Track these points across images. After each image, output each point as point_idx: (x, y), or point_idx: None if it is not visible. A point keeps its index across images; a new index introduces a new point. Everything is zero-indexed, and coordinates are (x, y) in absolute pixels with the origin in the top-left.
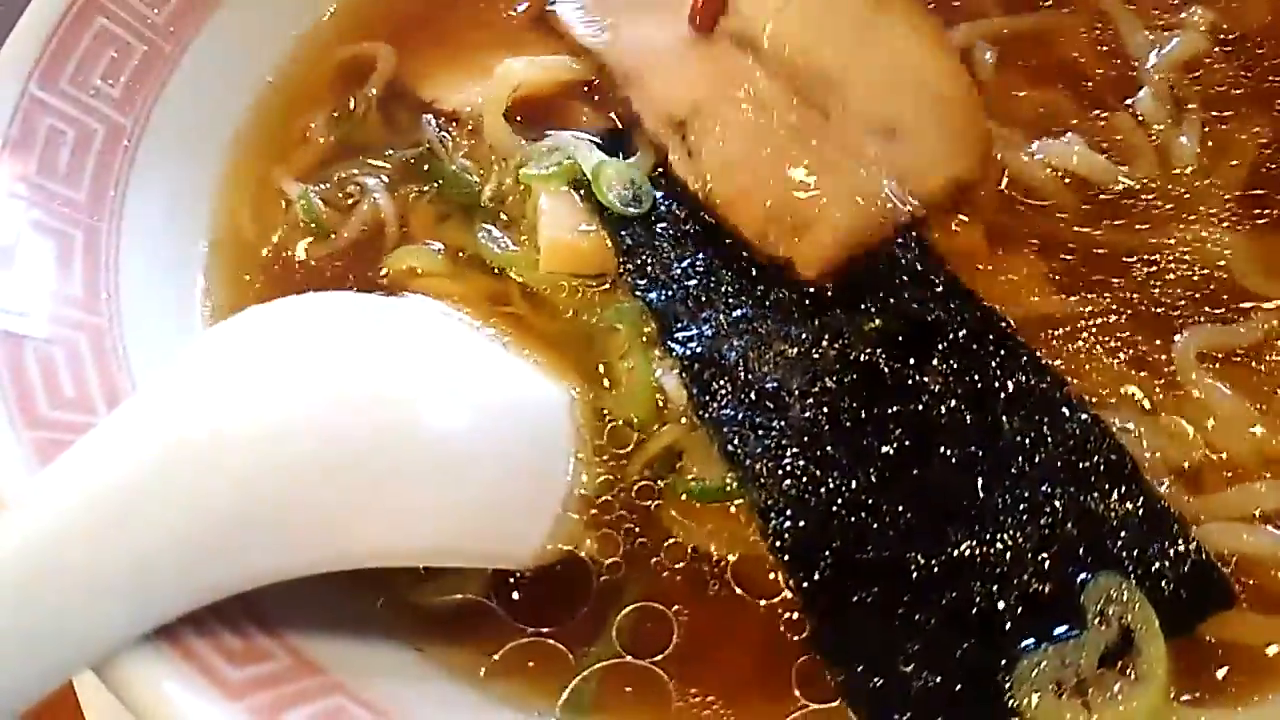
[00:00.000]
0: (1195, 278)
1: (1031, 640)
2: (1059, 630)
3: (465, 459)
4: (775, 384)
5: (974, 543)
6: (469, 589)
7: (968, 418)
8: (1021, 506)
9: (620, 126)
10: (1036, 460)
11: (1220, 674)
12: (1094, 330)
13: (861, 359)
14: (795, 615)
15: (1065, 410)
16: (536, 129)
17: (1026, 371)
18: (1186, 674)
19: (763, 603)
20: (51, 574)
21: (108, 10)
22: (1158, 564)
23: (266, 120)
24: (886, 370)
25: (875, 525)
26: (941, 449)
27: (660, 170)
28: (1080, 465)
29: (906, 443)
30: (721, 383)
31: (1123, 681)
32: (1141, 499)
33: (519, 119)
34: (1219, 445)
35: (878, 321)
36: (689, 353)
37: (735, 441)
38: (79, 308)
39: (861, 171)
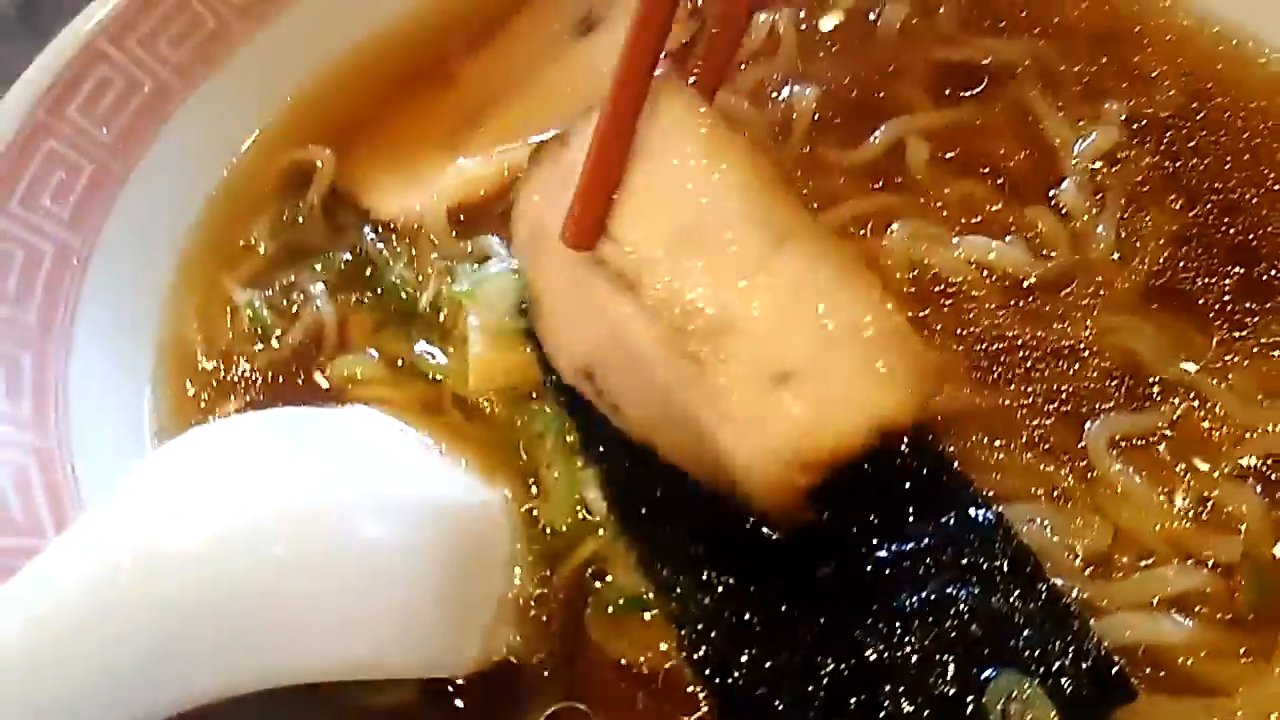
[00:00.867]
0: (1106, 365)
1: None
2: None
3: (399, 572)
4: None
5: (882, 646)
6: (405, 691)
7: (876, 521)
8: (929, 608)
9: None
10: (944, 561)
11: None
12: (1012, 422)
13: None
14: None
15: (972, 510)
16: (478, 232)
17: (934, 472)
18: None
19: (689, 711)
20: None
21: (57, 132)
22: (1059, 662)
23: (213, 231)
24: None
25: (787, 632)
26: (852, 552)
27: None
28: (984, 566)
29: (816, 547)
30: (638, 495)
31: None
32: (1044, 597)
33: (461, 220)
34: (1129, 532)
35: None
36: (609, 467)
37: (651, 553)
38: (29, 430)
39: (738, 439)
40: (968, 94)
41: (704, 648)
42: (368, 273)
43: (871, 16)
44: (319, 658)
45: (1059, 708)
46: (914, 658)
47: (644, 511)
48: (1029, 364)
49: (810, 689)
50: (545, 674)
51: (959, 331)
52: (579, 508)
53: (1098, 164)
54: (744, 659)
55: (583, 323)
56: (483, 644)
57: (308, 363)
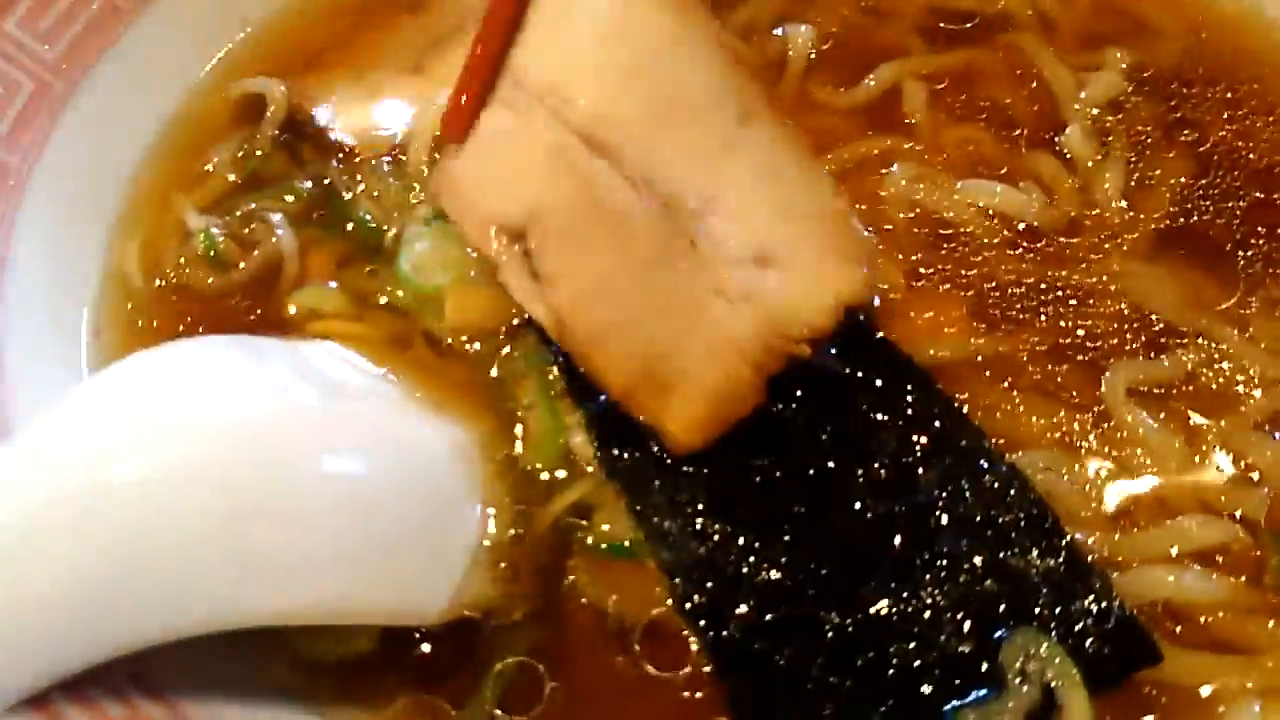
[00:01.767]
0: (1118, 313)
1: (952, 702)
2: (980, 692)
3: (364, 509)
4: None
5: (890, 601)
6: (361, 643)
7: (883, 472)
8: (940, 563)
9: None
10: (955, 515)
11: (1152, 716)
12: (1019, 369)
13: (773, 414)
14: (704, 676)
15: (984, 463)
16: None
17: (944, 422)
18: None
19: (668, 666)
20: None
21: None
22: (1081, 622)
23: (166, 157)
24: (799, 424)
25: (788, 584)
26: (856, 504)
27: None
28: (1000, 520)
29: (820, 499)
30: (629, 439)
31: None
32: (1063, 554)
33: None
34: (1148, 482)
35: (788, 375)
36: (596, 408)
37: (642, 498)
38: None
39: (731, 315)
40: (963, 41)
41: (697, 597)
42: (332, 204)
43: None
44: (278, 600)
45: (1082, 667)
46: (925, 614)
47: (637, 454)
48: (1039, 310)
49: (813, 644)
50: (515, 628)
51: (963, 276)
52: (565, 447)
53: (1097, 111)
54: (741, 611)
55: (530, 179)
56: (453, 594)
57: (266, 294)
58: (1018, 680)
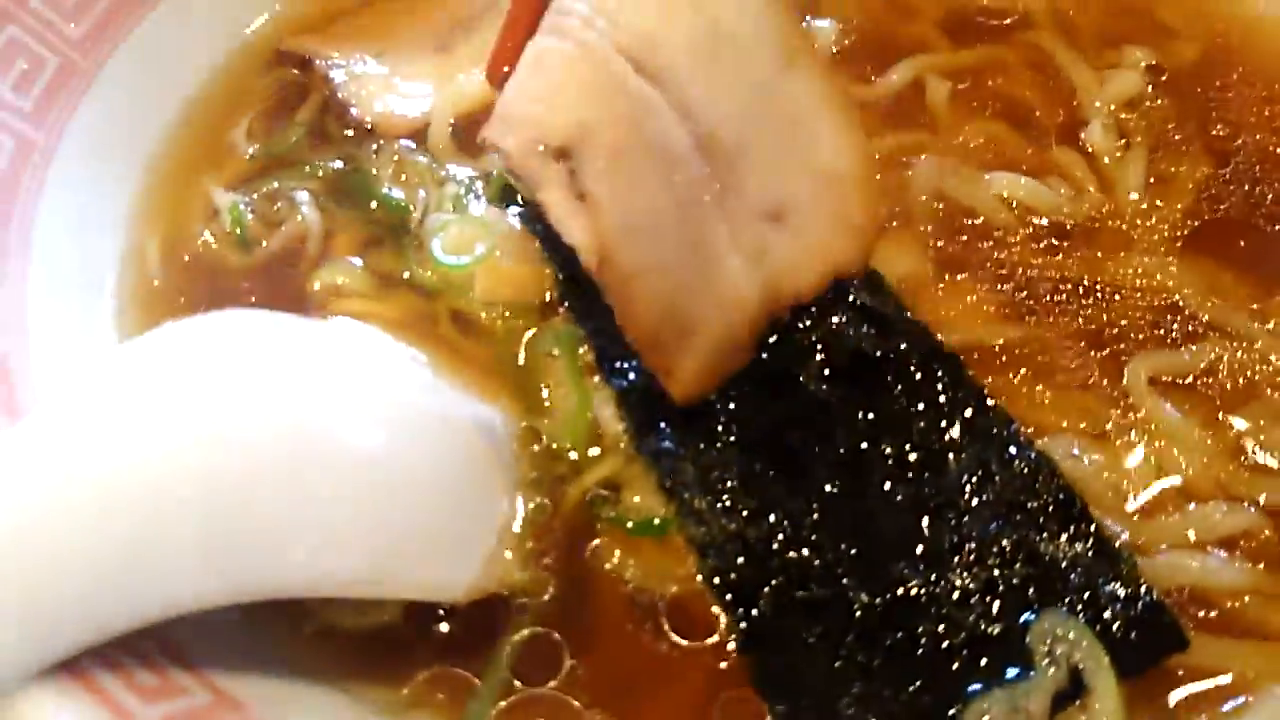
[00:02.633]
0: (1142, 305)
1: (980, 683)
2: (1009, 673)
3: (393, 485)
4: (717, 417)
5: (919, 582)
6: (388, 614)
7: (914, 454)
8: (969, 546)
9: None
10: (984, 499)
11: (1177, 700)
12: (1044, 358)
13: (807, 393)
14: (728, 650)
15: (1013, 448)
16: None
17: (974, 407)
18: (1142, 702)
19: (693, 639)
20: None
21: (18, 19)
22: (1109, 607)
23: (191, 134)
24: (833, 405)
25: (818, 562)
26: (887, 486)
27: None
28: (1029, 505)
29: (852, 479)
30: (661, 416)
31: None
32: (1091, 539)
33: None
34: (1172, 470)
35: (824, 355)
36: (627, 384)
37: (674, 475)
38: None
39: (743, 270)
40: (984, 38)
41: (728, 573)
42: (357, 183)
43: None
44: (309, 572)
45: (1109, 652)
46: (954, 596)
47: (668, 430)
48: (1065, 301)
49: (842, 623)
50: (540, 603)
51: (991, 267)
52: (594, 424)
53: (1117, 109)
54: (769, 588)
55: (579, 96)
56: (481, 570)
57: (289, 272)
58: (1045, 662)
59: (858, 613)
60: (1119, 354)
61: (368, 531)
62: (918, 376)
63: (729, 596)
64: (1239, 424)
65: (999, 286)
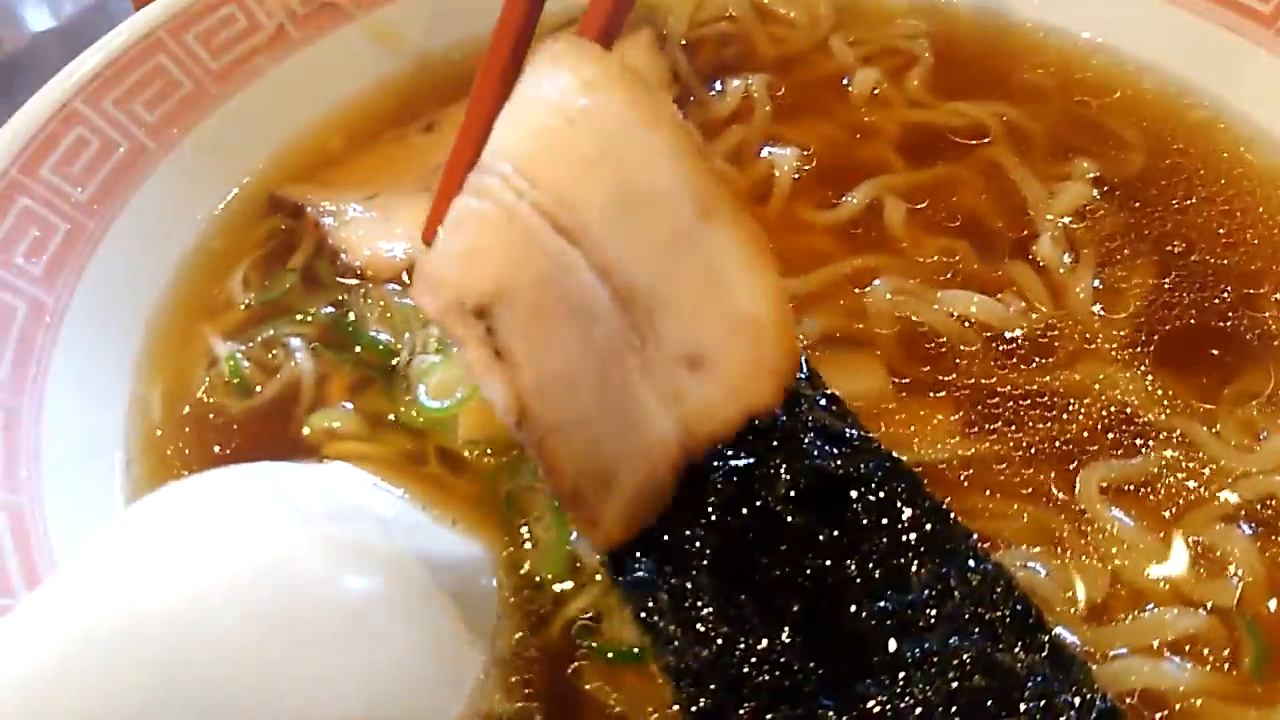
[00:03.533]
0: (1095, 413)
1: None
2: None
3: (386, 628)
4: (689, 544)
5: (885, 698)
6: None
7: (877, 572)
8: (930, 660)
9: None
10: (944, 612)
11: None
12: (1002, 470)
13: (774, 517)
14: None
15: (971, 561)
16: None
17: (934, 523)
18: None
19: None
20: None
21: (30, 191)
22: (1065, 714)
23: (190, 287)
24: (798, 527)
25: (788, 684)
26: (853, 605)
27: None
28: (986, 616)
29: (818, 599)
30: (636, 545)
31: None
32: (1046, 648)
33: None
34: (1125, 576)
35: (789, 478)
36: None
37: (649, 605)
38: None
39: (662, 417)
40: (940, 155)
41: (702, 700)
42: (346, 328)
43: (845, 82)
44: (302, 718)
45: None
46: (917, 710)
47: (641, 561)
48: (1017, 414)
49: None
50: None
51: (947, 383)
52: (572, 561)
53: (1069, 220)
54: (743, 712)
55: (496, 256)
56: (468, 708)
57: (285, 417)
58: None
59: None
60: (1071, 463)
61: (365, 675)
62: (880, 495)
63: None
64: (1189, 527)
65: (956, 401)
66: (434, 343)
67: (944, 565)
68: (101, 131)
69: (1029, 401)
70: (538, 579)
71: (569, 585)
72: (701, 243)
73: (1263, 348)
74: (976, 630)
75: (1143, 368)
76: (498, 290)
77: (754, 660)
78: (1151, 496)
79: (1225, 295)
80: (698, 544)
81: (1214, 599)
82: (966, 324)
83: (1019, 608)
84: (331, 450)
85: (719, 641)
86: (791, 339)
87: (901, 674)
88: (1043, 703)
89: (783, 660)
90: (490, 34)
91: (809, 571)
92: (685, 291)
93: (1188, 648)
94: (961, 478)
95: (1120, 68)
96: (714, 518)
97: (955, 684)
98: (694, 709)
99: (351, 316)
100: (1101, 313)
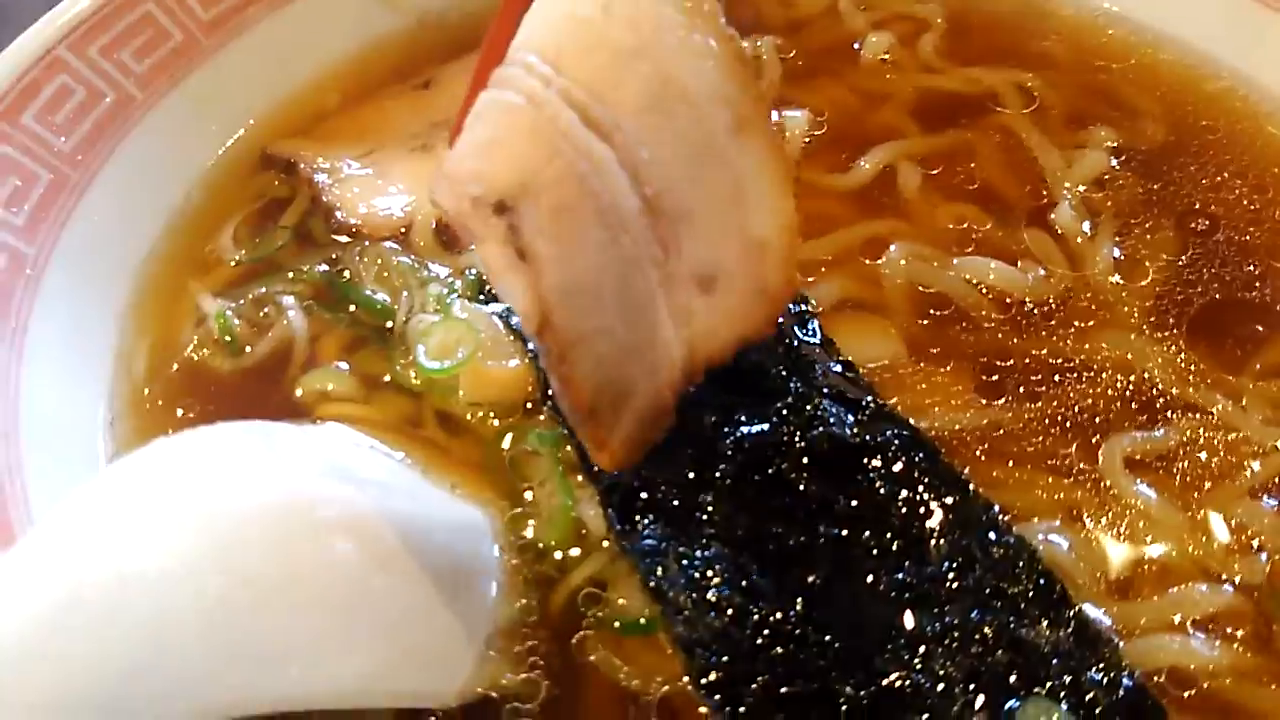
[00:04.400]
0: (1115, 384)
1: None
2: None
3: (380, 593)
4: (700, 512)
5: (903, 673)
6: None
7: (895, 543)
8: (951, 634)
9: None
10: (965, 585)
11: None
12: (1020, 440)
13: (788, 485)
14: None
15: (993, 534)
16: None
17: (954, 494)
18: None
19: None
20: None
21: (10, 139)
22: (1091, 691)
23: (178, 242)
24: (813, 496)
25: (802, 656)
26: (869, 576)
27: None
28: (1009, 591)
29: (834, 570)
30: (644, 513)
31: None
32: (1071, 624)
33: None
34: (1150, 551)
35: (804, 446)
36: (609, 482)
37: (658, 573)
38: None
39: (674, 335)
40: (954, 122)
41: (714, 672)
42: (340, 287)
43: (855, 46)
44: (297, 685)
45: None
46: (938, 686)
47: (652, 528)
48: (1039, 383)
49: (828, 716)
50: (531, 705)
51: (965, 350)
52: (578, 523)
53: (1087, 189)
54: (756, 685)
55: (521, 148)
56: (471, 675)
57: (276, 377)
58: None
59: (844, 706)
60: (1093, 435)
61: (357, 641)
62: (897, 465)
63: (716, 696)
64: (1215, 502)
65: (974, 369)
66: (433, 302)
67: (964, 537)
68: (87, 80)
69: (1048, 371)
70: (541, 545)
71: (575, 552)
72: (731, 157)
73: None
74: (999, 604)
75: (1166, 338)
76: (522, 184)
77: (767, 632)
78: (1175, 470)
79: (1251, 268)
80: (709, 511)
81: (1242, 575)
82: (984, 291)
83: (1043, 582)
84: (325, 412)
85: (730, 612)
86: (793, 269)
87: (921, 648)
88: (1068, 679)
89: (797, 632)
90: None
91: (824, 541)
92: (709, 208)
93: (1213, 625)
94: (979, 449)
95: (1138, 35)
96: (726, 485)
97: (978, 659)
98: (705, 680)
99: (346, 275)
100: (1121, 282)
